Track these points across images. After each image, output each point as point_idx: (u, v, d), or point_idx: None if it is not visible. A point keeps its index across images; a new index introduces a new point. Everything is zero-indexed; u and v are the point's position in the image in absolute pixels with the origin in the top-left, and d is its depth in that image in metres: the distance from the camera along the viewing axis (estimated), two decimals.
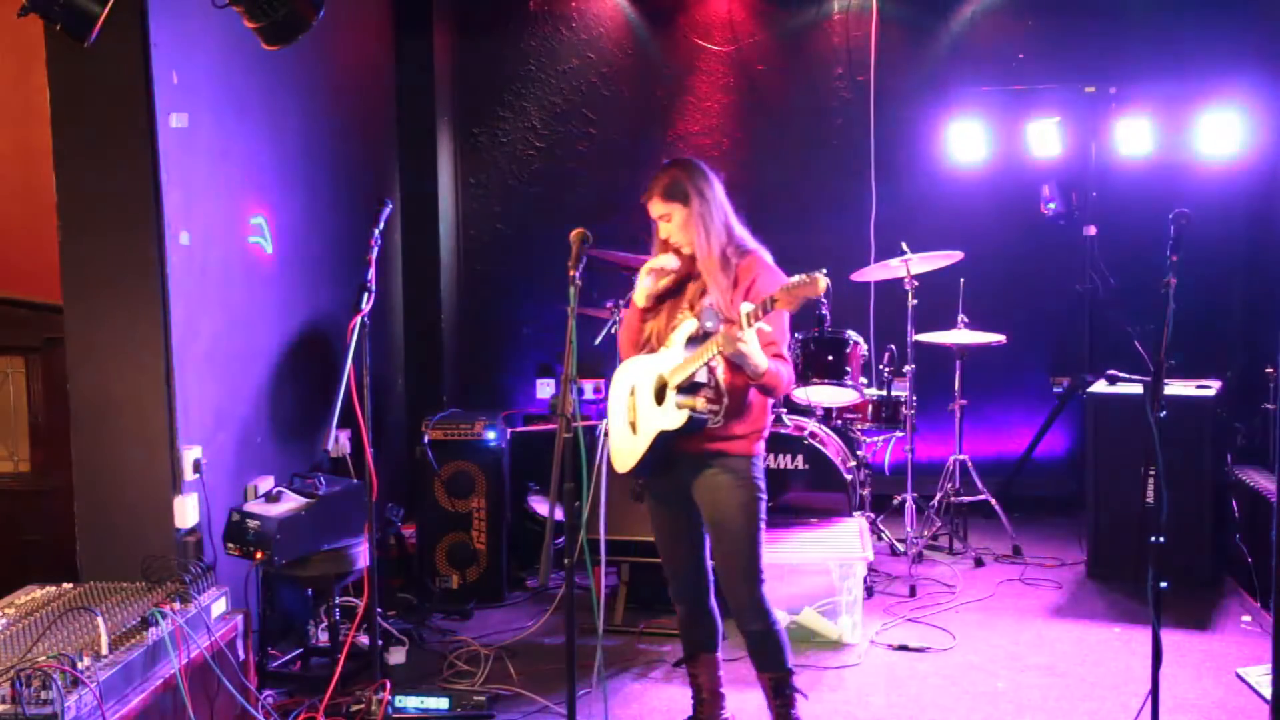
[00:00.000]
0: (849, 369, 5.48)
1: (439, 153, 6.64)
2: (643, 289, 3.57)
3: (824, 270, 3.18)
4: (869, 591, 5.17)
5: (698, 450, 3.49)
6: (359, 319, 3.73)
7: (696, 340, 3.42)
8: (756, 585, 3.55)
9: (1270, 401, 5.16)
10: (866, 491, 5.68)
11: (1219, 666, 4.39)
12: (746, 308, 3.25)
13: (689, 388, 3.42)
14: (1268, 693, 3.88)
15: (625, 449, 3.59)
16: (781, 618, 4.73)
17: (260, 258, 4.72)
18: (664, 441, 3.45)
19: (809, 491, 5.29)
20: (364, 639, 4.25)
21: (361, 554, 4.27)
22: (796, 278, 3.19)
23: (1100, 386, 5.54)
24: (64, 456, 4.09)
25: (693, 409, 3.38)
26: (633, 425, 3.56)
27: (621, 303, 3.44)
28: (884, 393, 5.75)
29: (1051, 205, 6.31)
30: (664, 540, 3.69)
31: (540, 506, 5.82)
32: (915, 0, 6.68)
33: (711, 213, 3.54)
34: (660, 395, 3.48)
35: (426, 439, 5.25)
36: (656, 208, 3.56)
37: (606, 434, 3.89)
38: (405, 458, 6.15)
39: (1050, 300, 6.61)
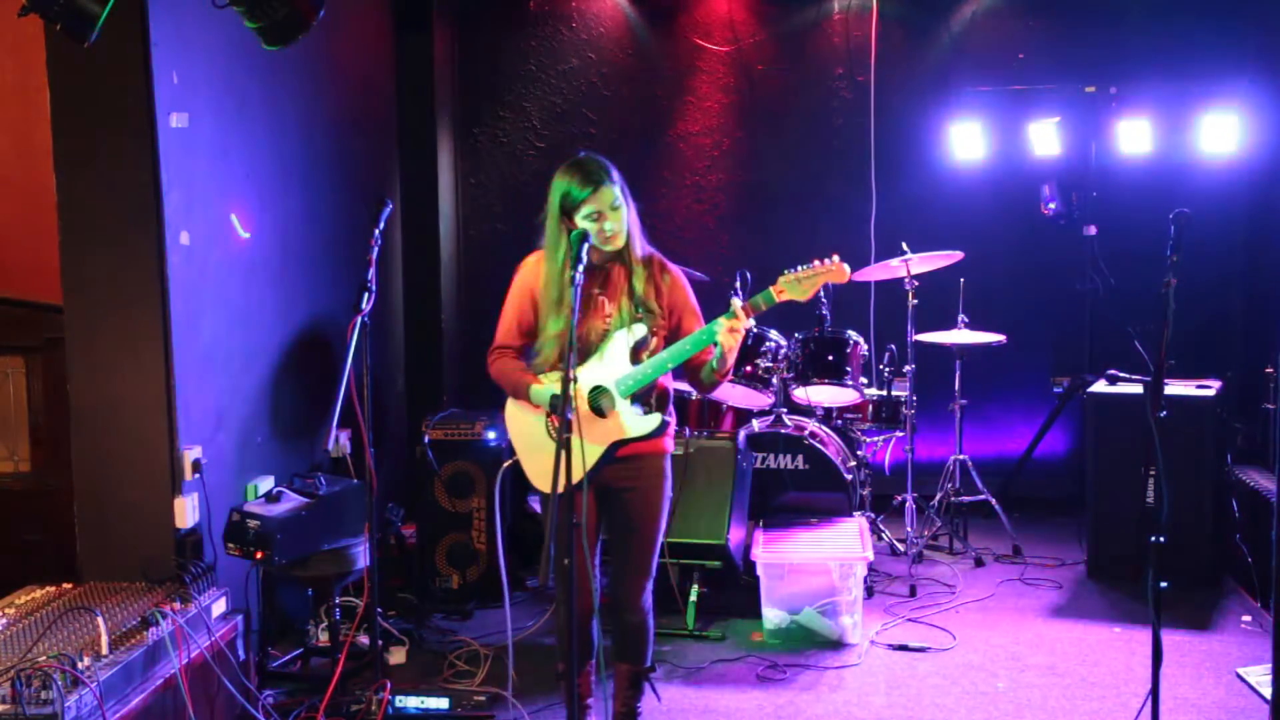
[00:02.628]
0: (849, 369, 5.47)
1: (439, 153, 6.63)
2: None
3: (836, 256, 3.28)
4: (869, 591, 5.17)
5: (628, 453, 3.47)
6: (359, 319, 3.72)
7: (640, 346, 3.43)
8: (651, 579, 3.59)
9: (1270, 401, 5.16)
10: (866, 491, 5.68)
11: (1219, 666, 4.39)
12: (738, 303, 3.28)
13: (644, 393, 3.46)
14: (1268, 693, 3.88)
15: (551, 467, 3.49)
16: (782, 618, 4.77)
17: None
18: (609, 450, 3.44)
19: (809, 491, 5.29)
20: (364, 639, 4.25)
21: (361, 554, 4.27)
22: (814, 264, 3.25)
23: (1100, 386, 5.54)
24: (64, 456, 4.10)
25: (654, 411, 3.45)
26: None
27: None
28: (884, 393, 5.75)
29: (1051, 205, 6.31)
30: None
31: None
32: (915, 0, 6.67)
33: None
34: (593, 406, 3.42)
35: (426, 439, 5.25)
36: (611, 195, 3.37)
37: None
38: (405, 458, 6.15)
39: (1050, 300, 6.60)
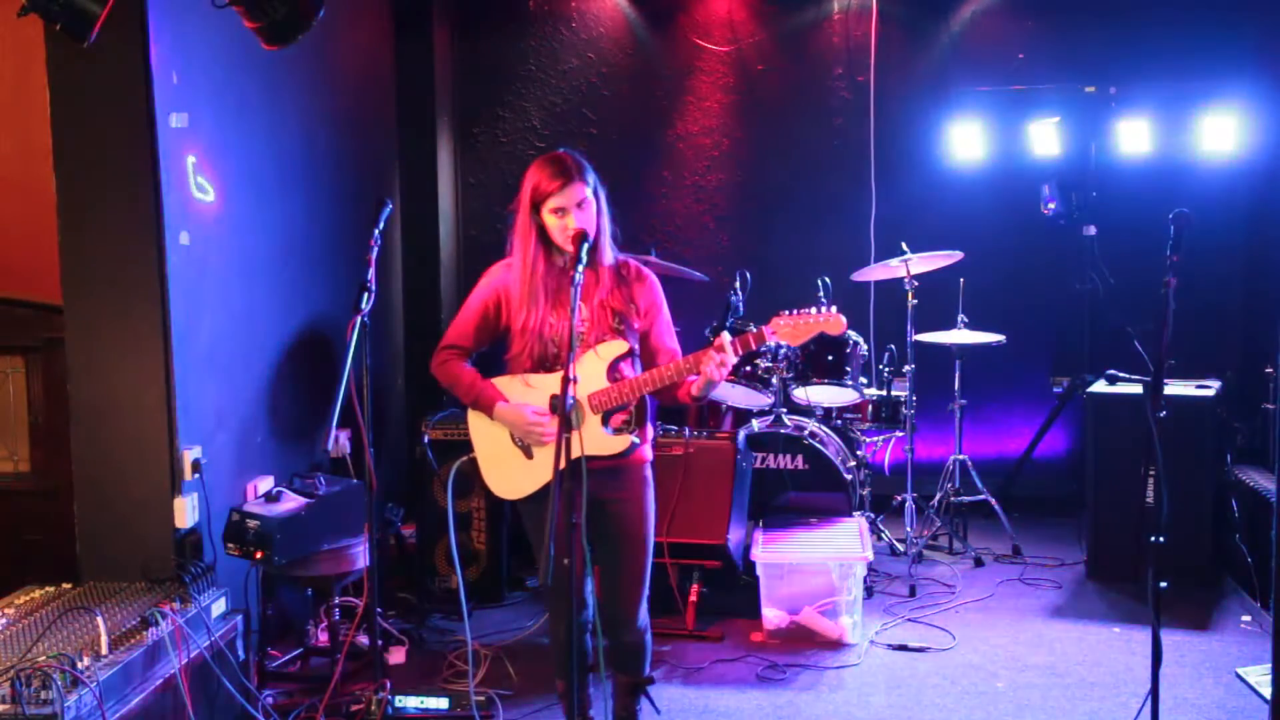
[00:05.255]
0: (849, 369, 5.48)
1: (439, 153, 6.64)
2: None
3: (833, 306, 3.22)
4: (869, 591, 5.17)
5: (605, 465, 3.37)
6: (359, 319, 3.72)
7: (619, 361, 3.37)
8: (646, 593, 3.51)
9: (1270, 401, 5.16)
10: (866, 491, 5.68)
11: (1219, 666, 4.39)
12: (728, 338, 3.21)
13: (618, 410, 3.38)
14: (1268, 693, 3.88)
15: (519, 474, 3.44)
16: (781, 618, 4.77)
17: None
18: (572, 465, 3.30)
19: (809, 491, 5.28)
20: (364, 639, 4.25)
21: (361, 554, 4.27)
22: (809, 312, 3.19)
23: (1100, 386, 5.54)
24: (64, 456, 4.10)
25: (627, 431, 3.37)
26: (526, 450, 3.42)
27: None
28: (884, 393, 5.75)
29: (1051, 205, 6.31)
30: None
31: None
32: (915, 0, 6.68)
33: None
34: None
35: (426, 439, 5.25)
36: (579, 192, 3.29)
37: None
38: (405, 458, 6.15)
39: (1050, 300, 6.60)
